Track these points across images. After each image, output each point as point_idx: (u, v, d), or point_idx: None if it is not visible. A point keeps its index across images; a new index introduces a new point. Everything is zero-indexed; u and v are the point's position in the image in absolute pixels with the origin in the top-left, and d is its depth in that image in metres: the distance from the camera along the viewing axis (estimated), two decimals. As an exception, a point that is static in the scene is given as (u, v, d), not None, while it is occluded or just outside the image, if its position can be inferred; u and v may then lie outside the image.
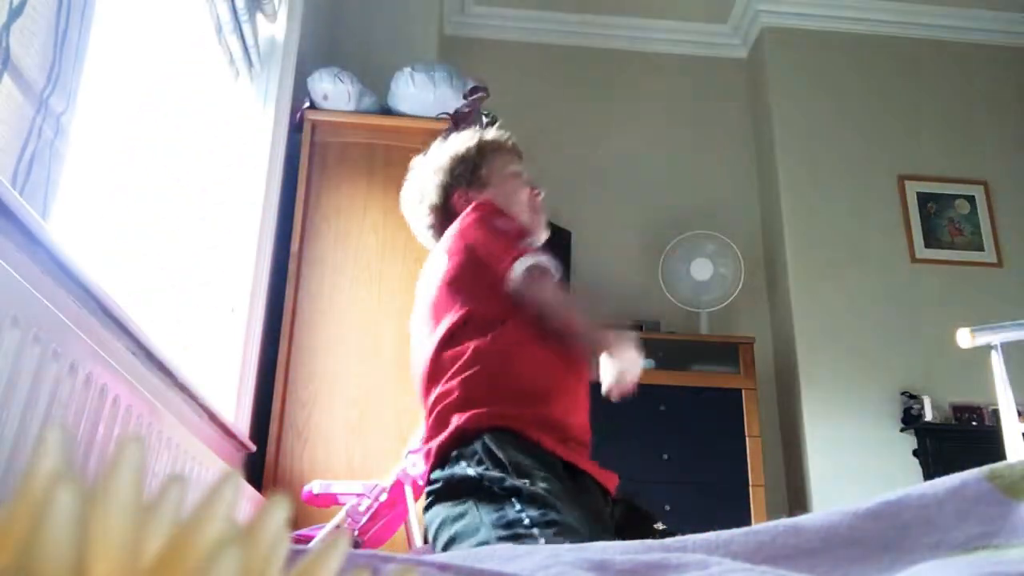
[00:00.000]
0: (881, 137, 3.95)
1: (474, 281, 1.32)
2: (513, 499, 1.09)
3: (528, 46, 4.22)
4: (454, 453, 1.21)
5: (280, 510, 0.30)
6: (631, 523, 1.28)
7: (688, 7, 4.17)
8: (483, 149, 1.52)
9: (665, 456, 3.08)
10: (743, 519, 2.89)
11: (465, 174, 1.49)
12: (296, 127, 2.59)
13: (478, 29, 4.18)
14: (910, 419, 3.35)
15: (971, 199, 3.86)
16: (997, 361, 2.03)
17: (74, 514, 0.25)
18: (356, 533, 1.61)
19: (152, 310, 1.78)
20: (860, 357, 3.51)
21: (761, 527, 0.67)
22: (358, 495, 1.66)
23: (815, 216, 3.77)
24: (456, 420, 1.23)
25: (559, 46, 4.23)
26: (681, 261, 3.66)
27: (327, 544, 0.31)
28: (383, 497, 1.64)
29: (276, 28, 2.58)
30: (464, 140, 1.54)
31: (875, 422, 3.41)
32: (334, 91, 2.57)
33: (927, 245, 3.77)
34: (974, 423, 3.34)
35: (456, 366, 1.28)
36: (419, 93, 2.62)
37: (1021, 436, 1.96)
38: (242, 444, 2.06)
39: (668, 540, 0.68)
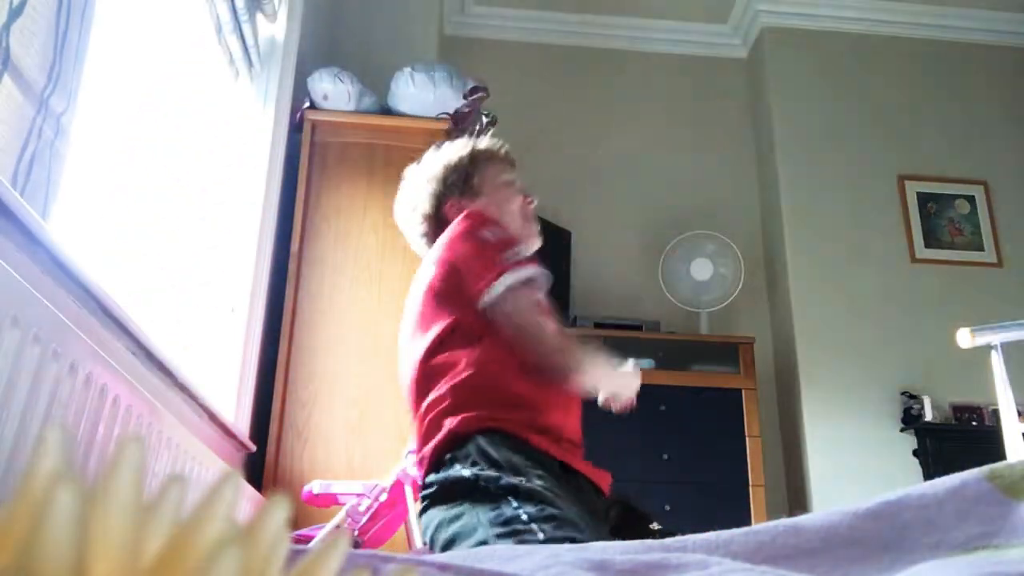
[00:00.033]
0: (881, 137, 3.95)
1: (458, 294, 1.32)
2: (509, 497, 1.10)
3: (528, 46, 4.22)
4: (448, 456, 1.22)
5: (280, 510, 0.30)
6: (628, 524, 1.29)
7: (688, 7, 4.17)
8: (476, 158, 1.52)
9: (665, 456, 3.08)
10: (743, 519, 2.89)
11: (458, 183, 1.49)
12: (296, 127, 2.59)
13: (478, 29, 4.18)
14: (910, 419, 3.35)
15: (971, 199, 3.86)
16: (997, 361, 2.03)
17: (74, 514, 0.25)
18: (356, 533, 1.61)
19: (152, 310, 1.78)
20: (860, 357, 3.51)
21: (761, 527, 0.67)
22: (358, 495, 1.66)
23: (815, 216, 3.77)
24: (448, 424, 1.24)
25: (559, 46, 4.23)
26: (681, 261, 3.66)
27: (327, 544, 0.31)
28: (383, 497, 1.64)
29: (276, 28, 2.58)
30: (457, 149, 1.54)
31: (875, 422, 3.41)
32: (334, 91, 2.57)
33: (927, 245, 3.77)
34: (974, 423, 3.34)
35: (446, 374, 1.29)
36: (419, 93, 2.62)
37: (1021, 436, 1.96)
38: (242, 444, 2.07)
39: (668, 540, 0.68)
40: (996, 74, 4.14)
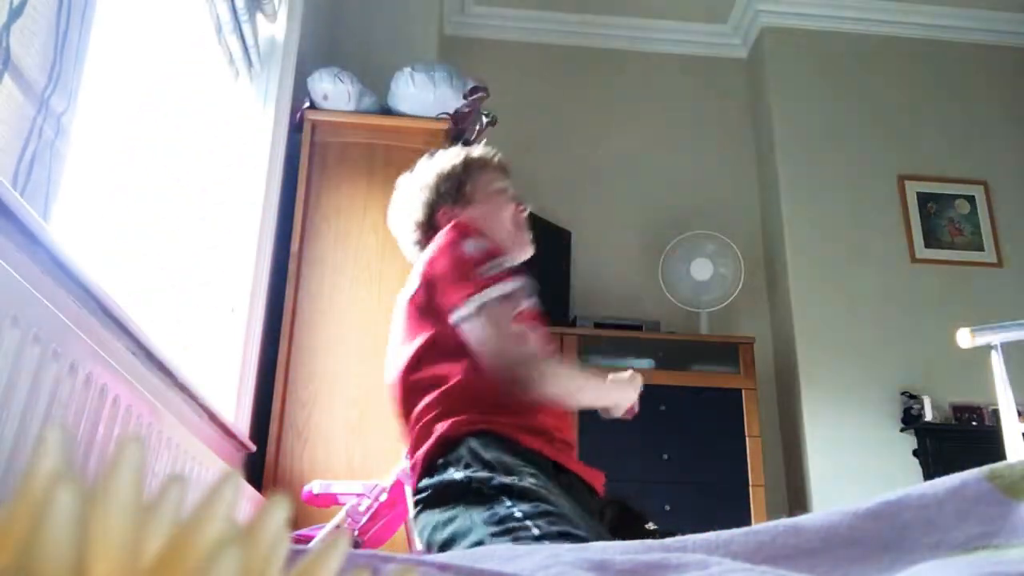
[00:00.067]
0: (881, 137, 3.95)
1: (436, 309, 1.33)
2: (502, 496, 1.10)
3: (528, 46, 4.22)
4: (440, 461, 1.22)
5: (280, 510, 0.30)
6: (624, 524, 1.29)
7: (688, 7, 4.17)
8: (469, 166, 1.52)
9: (665, 456, 3.08)
10: (743, 519, 2.89)
11: (450, 191, 1.49)
12: (296, 127, 2.59)
13: (478, 29, 4.18)
14: (910, 419, 3.35)
15: (971, 199, 3.86)
16: (997, 361, 2.03)
17: (74, 514, 0.25)
18: (356, 533, 1.61)
19: (152, 310, 1.78)
20: (860, 357, 3.51)
21: (761, 527, 0.67)
22: (358, 495, 1.66)
23: (815, 216, 3.77)
24: (439, 429, 1.24)
25: (559, 46, 4.23)
26: (681, 261, 3.66)
27: (327, 544, 0.31)
28: (383, 497, 1.64)
29: (276, 28, 2.58)
30: (450, 157, 1.54)
31: (875, 422, 3.41)
32: (334, 91, 2.57)
33: (927, 245, 3.77)
34: (974, 423, 3.34)
35: (436, 386, 1.29)
36: (419, 93, 2.62)
37: (1021, 436, 1.96)
38: (242, 444, 2.07)
39: (668, 540, 0.68)
40: (996, 74, 4.14)
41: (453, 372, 1.27)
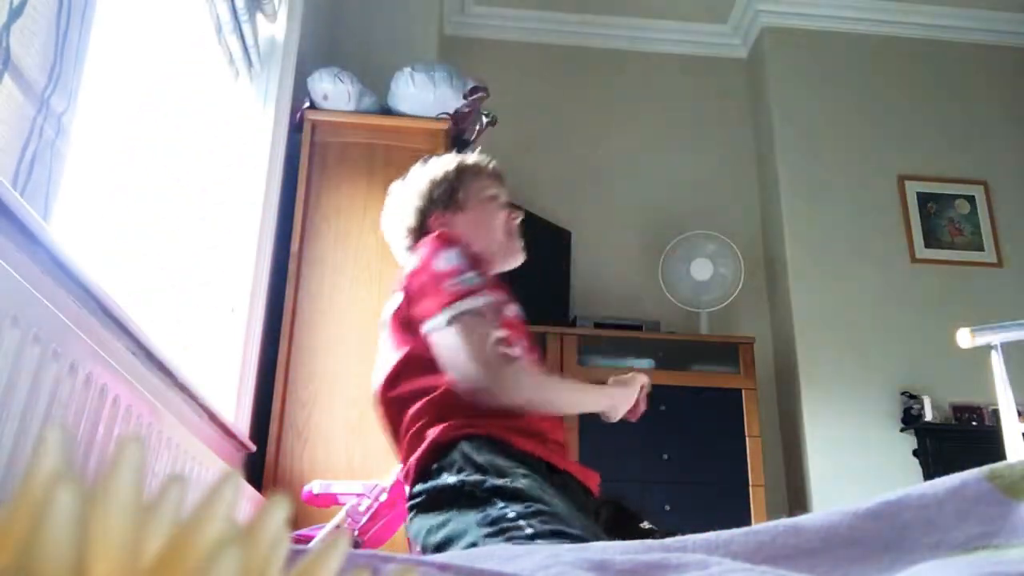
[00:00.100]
0: (881, 137, 3.95)
1: (414, 321, 1.33)
2: (495, 499, 1.10)
3: (528, 46, 4.22)
4: (434, 466, 1.22)
5: (280, 510, 0.30)
6: (619, 523, 1.28)
7: (688, 7, 4.17)
8: (461, 173, 1.52)
9: (665, 456, 3.08)
10: (743, 519, 2.89)
11: (442, 197, 1.49)
12: (296, 127, 2.59)
13: (478, 29, 4.18)
14: (910, 419, 3.35)
15: (971, 199, 3.86)
16: (997, 361, 2.03)
17: (74, 514, 0.25)
18: (356, 533, 1.61)
19: (152, 310, 1.78)
20: (860, 357, 3.51)
21: (761, 527, 0.67)
22: (358, 495, 1.66)
23: (815, 216, 3.77)
24: (431, 435, 1.24)
25: (559, 46, 4.23)
26: (681, 261, 3.66)
27: (327, 544, 0.31)
28: (383, 497, 1.64)
29: (276, 28, 2.58)
30: (443, 164, 1.54)
31: (875, 422, 3.41)
32: (334, 91, 2.57)
33: (927, 245, 3.77)
34: (974, 423, 3.34)
35: (417, 394, 1.29)
36: (419, 93, 2.62)
37: (1021, 436, 1.96)
38: (242, 444, 2.07)
39: (668, 540, 0.68)
40: (996, 74, 4.14)
41: (438, 382, 1.27)
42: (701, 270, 3.64)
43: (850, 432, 3.40)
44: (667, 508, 2.94)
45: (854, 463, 3.33)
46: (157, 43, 1.87)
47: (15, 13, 1.04)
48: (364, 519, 1.62)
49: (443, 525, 1.14)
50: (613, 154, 4.05)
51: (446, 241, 1.36)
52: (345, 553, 0.31)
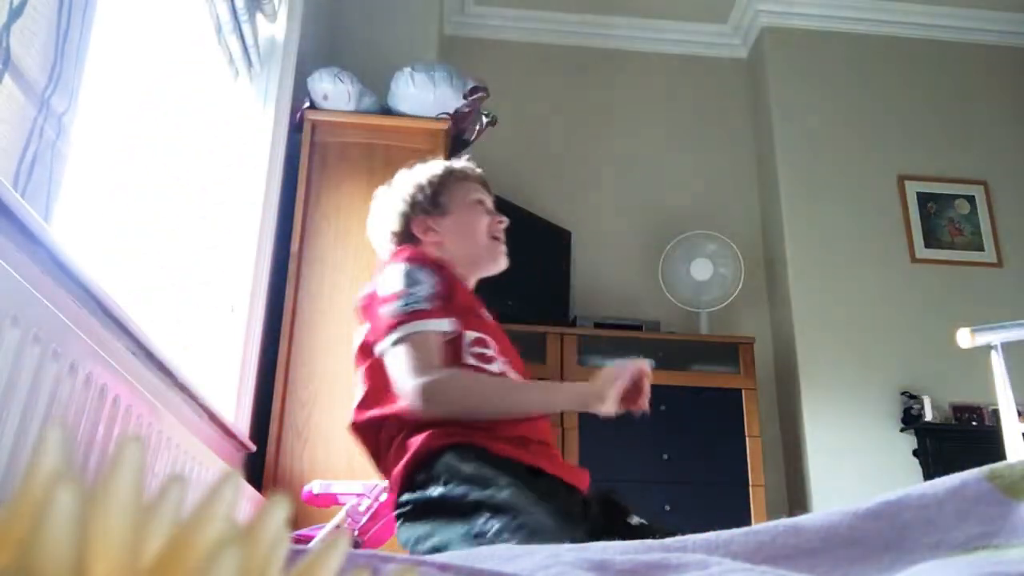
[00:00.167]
0: (881, 137, 3.95)
1: (370, 345, 1.35)
2: (478, 512, 1.11)
3: (528, 46, 4.22)
4: (420, 476, 1.22)
5: (280, 510, 0.30)
6: (609, 518, 1.28)
7: (688, 7, 4.17)
8: (446, 177, 1.53)
9: (665, 456, 3.08)
10: (743, 519, 2.89)
11: (426, 201, 1.50)
12: (296, 127, 2.59)
13: (478, 29, 4.18)
14: (910, 419, 3.35)
15: (971, 199, 3.86)
16: (997, 361, 2.03)
17: (74, 514, 0.25)
18: (356, 533, 1.61)
19: (152, 310, 1.78)
20: (860, 357, 3.51)
21: (761, 527, 0.67)
22: (358, 495, 1.66)
23: (815, 216, 3.77)
24: (414, 443, 1.24)
25: (559, 46, 4.23)
26: (681, 261, 3.66)
27: (327, 544, 0.31)
28: (383, 497, 1.64)
29: (276, 28, 2.58)
30: (428, 169, 1.55)
31: (875, 422, 3.41)
32: (334, 91, 2.57)
33: (927, 245, 3.77)
34: (974, 423, 3.34)
35: (389, 416, 1.30)
36: (419, 93, 2.62)
37: (1021, 436, 1.96)
38: (242, 444, 2.07)
39: (668, 540, 0.68)
40: (996, 74, 4.14)
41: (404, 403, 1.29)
42: (701, 270, 3.64)
43: (850, 432, 3.39)
44: (667, 508, 2.94)
45: (854, 463, 3.32)
46: (157, 43, 1.87)
47: (15, 13, 1.04)
48: (364, 519, 1.62)
49: (429, 535, 1.15)
50: (613, 154, 4.05)
51: (409, 259, 1.37)
52: (345, 553, 0.31)
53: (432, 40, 3.40)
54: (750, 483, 3.05)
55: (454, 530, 1.12)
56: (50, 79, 1.12)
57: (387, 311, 1.30)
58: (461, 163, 1.58)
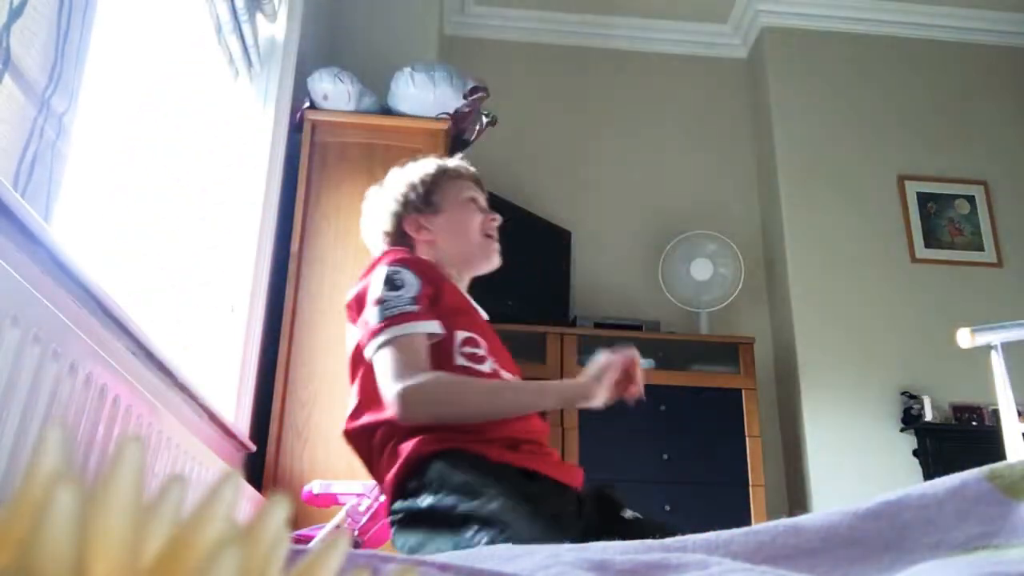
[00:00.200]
0: (881, 137, 3.95)
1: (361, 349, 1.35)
2: (466, 524, 1.11)
3: (528, 46, 4.22)
4: (412, 484, 1.22)
5: (280, 510, 0.30)
6: (602, 514, 1.28)
7: (688, 7, 4.17)
8: (438, 176, 1.52)
9: (665, 456, 3.08)
10: (743, 519, 2.89)
11: (418, 200, 1.49)
12: (296, 127, 2.59)
13: (478, 29, 4.18)
14: (910, 419, 3.35)
15: (971, 199, 3.86)
16: (997, 361, 2.03)
17: (74, 514, 0.25)
18: (356, 533, 1.61)
19: (152, 310, 1.78)
20: (860, 357, 3.51)
21: (761, 527, 0.67)
22: (358, 495, 1.66)
23: (815, 216, 3.77)
24: (405, 449, 1.24)
25: (559, 46, 4.23)
26: (681, 261, 3.66)
27: (327, 544, 0.31)
28: (383, 497, 1.64)
29: (276, 28, 2.58)
30: (419, 167, 1.54)
31: (875, 422, 3.41)
32: (334, 91, 2.57)
33: (927, 245, 3.77)
34: (974, 423, 3.34)
35: (380, 421, 1.30)
36: (419, 93, 2.62)
37: (1021, 436, 1.96)
38: (242, 444, 2.07)
39: (668, 540, 0.68)
40: (996, 74, 4.14)
41: None
42: (701, 270, 3.64)
43: (850, 432, 3.39)
44: (667, 508, 2.94)
45: (854, 463, 3.32)
46: (157, 43, 1.87)
47: (15, 13, 1.04)
48: (364, 519, 1.62)
49: (422, 545, 1.16)
50: (613, 154, 4.05)
51: (384, 264, 1.37)
52: (345, 553, 0.31)
53: (432, 40, 3.40)
54: (750, 483, 3.05)
55: (443, 541, 1.12)
56: (50, 79, 1.12)
57: (372, 315, 1.30)
58: (454, 161, 1.58)
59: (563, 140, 4.04)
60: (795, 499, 3.40)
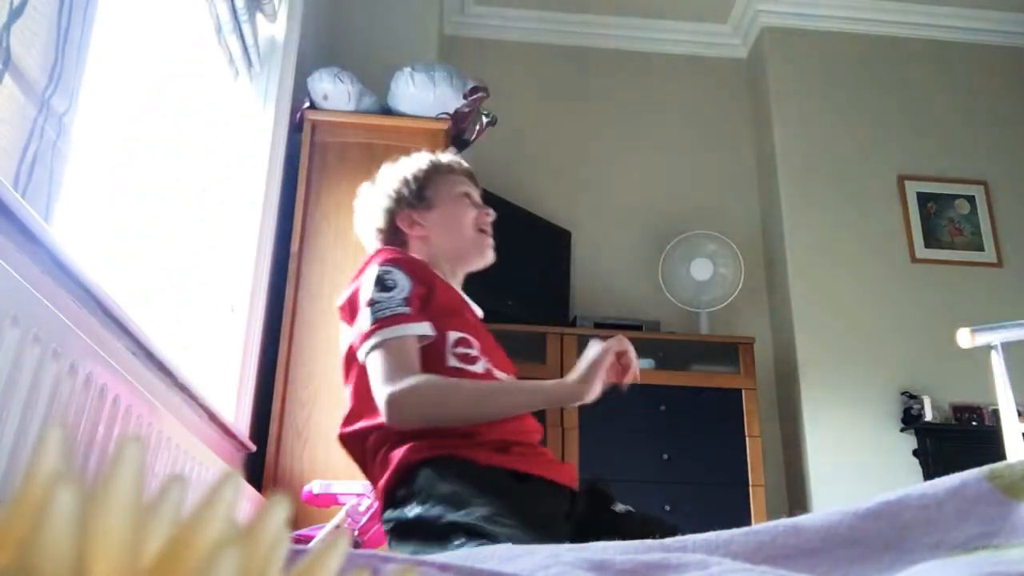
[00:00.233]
0: (881, 137, 3.95)
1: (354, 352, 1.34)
2: (453, 535, 1.10)
3: (528, 46, 4.22)
4: (401, 493, 1.22)
5: (280, 510, 0.30)
6: (594, 508, 1.27)
7: (688, 7, 4.17)
8: (431, 171, 1.51)
9: (665, 456, 3.08)
10: (743, 519, 2.89)
11: (410, 196, 1.48)
12: (296, 127, 2.59)
13: (478, 29, 4.18)
14: (910, 419, 3.35)
15: (971, 199, 3.86)
16: (997, 361, 2.03)
17: (74, 514, 0.25)
18: (356, 533, 1.61)
19: (152, 310, 1.78)
20: (860, 357, 3.51)
21: (761, 527, 0.67)
22: (358, 495, 1.66)
23: (815, 216, 3.77)
24: (395, 457, 1.24)
25: (559, 46, 4.23)
26: (681, 261, 3.66)
27: (327, 544, 0.31)
28: (382, 498, 1.64)
29: (276, 28, 2.58)
30: (412, 162, 1.53)
31: (875, 422, 3.41)
32: (334, 91, 2.57)
33: (927, 245, 3.77)
34: (974, 423, 3.34)
35: (374, 426, 1.29)
36: (419, 93, 2.62)
37: (1021, 436, 1.96)
38: (242, 444, 2.07)
39: (668, 540, 0.68)
40: (996, 74, 4.14)
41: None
42: (701, 270, 3.64)
43: (850, 432, 3.39)
44: (667, 508, 2.94)
45: (854, 463, 3.32)
46: (157, 43, 1.87)
47: (16, 13, 1.04)
48: (364, 519, 1.62)
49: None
50: (613, 154, 4.05)
51: (375, 264, 1.36)
52: (345, 553, 0.31)
53: (432, 40, 3.40)
54: (750, 483, 3.05)
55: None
56: (50, 79, 1.12)
57: (364, 317, 1.29)
58: (447, 156, 1.57)
59: (563, 140, 4.04)
60: (795, 499, 3.40)
